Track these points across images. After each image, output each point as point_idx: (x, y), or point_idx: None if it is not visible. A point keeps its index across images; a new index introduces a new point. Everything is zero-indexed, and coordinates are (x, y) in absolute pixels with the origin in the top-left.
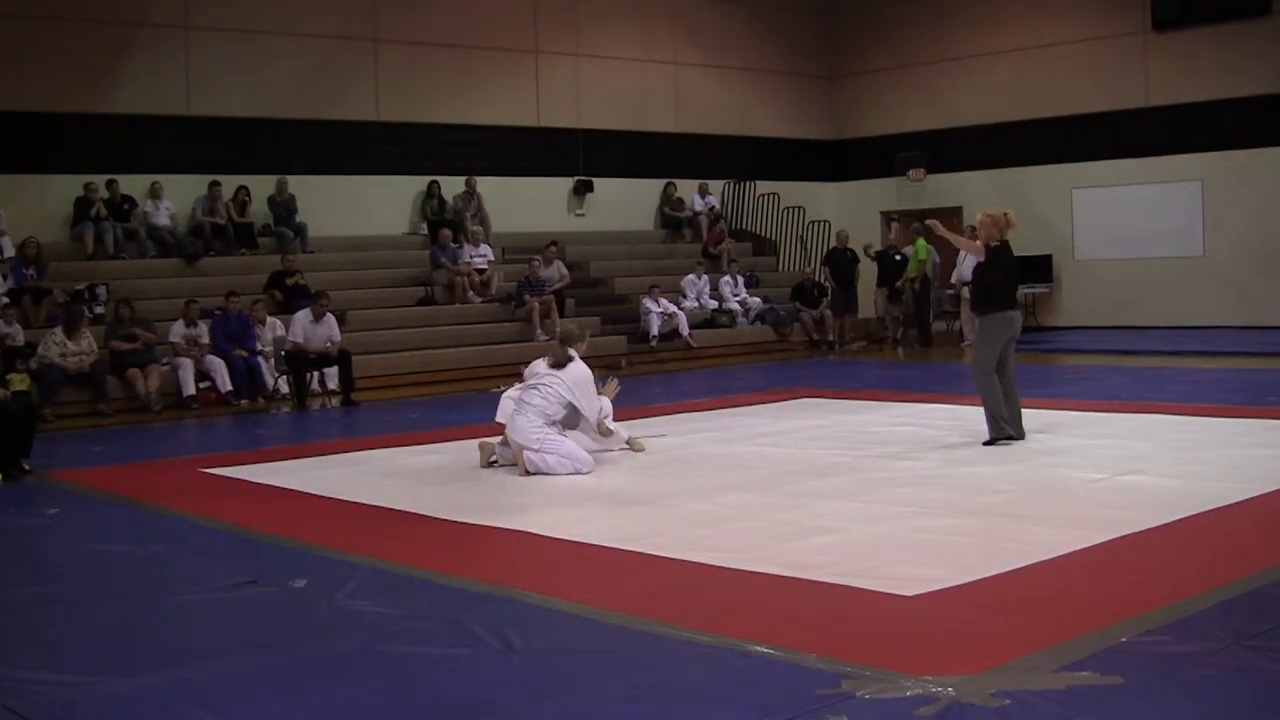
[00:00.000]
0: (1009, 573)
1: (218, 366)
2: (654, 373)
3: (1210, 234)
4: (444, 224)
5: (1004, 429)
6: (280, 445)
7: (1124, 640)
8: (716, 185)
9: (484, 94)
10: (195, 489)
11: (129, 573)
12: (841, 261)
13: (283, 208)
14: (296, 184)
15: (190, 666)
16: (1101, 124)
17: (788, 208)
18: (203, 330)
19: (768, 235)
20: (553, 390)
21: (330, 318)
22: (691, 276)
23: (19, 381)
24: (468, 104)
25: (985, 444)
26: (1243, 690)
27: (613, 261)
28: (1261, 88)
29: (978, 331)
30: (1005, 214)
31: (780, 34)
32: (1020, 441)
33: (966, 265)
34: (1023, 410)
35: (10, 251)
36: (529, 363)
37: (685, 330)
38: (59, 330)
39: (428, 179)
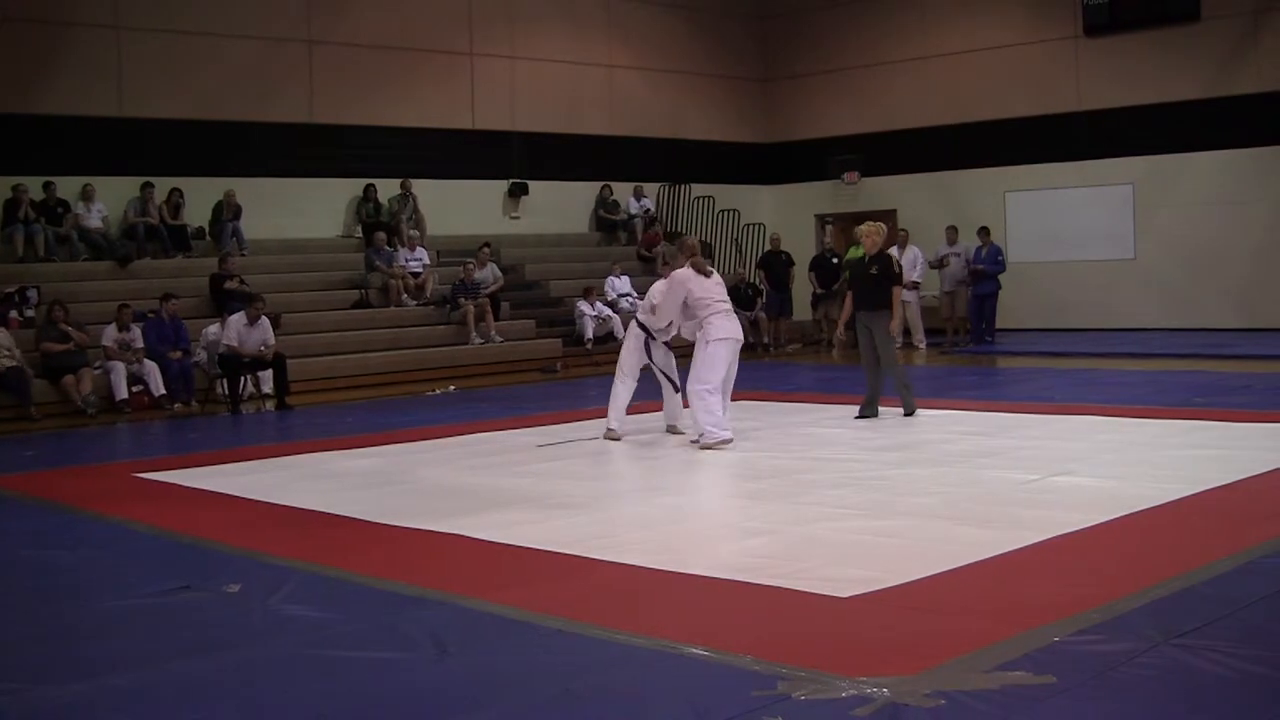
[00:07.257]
0: (943, 574)
1: (151, 370)
2: (589, 375)
3: (1141, 237)
4: (379, 227)
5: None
6: (214, 449)
7: (1057, 640)
8: (652, 188)
9: (419, 96)
10: (128, 493)
11: (61, 578)
12: (776, 264)
13: (222, 213)
14: (231, 186)
15: (123, 673)
16: (1034, 128)
17: (723, 210)
18: (136, 334)
19: (703, 238)
20: None
21: (265, 321)
22: (612, 277)
23: None
24: (402, 106)
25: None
26: (1173, 688)
27: (548, 264)
28: (1191, 92)
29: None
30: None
31: (714, 37)
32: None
33: (917, 269)
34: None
35: None
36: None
37: (620, 332)
38: None
39: (362, 182)
